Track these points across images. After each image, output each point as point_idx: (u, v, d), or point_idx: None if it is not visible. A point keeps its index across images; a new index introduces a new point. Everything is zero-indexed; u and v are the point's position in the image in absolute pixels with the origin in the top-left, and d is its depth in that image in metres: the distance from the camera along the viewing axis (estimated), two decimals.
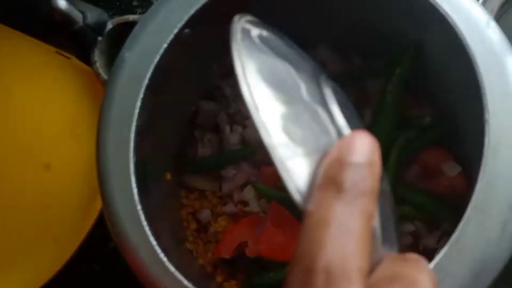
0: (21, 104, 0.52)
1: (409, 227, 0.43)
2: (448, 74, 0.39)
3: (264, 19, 0.28)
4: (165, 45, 0.33)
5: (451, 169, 0.41)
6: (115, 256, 0.50)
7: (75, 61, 0.37)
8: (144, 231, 0.32)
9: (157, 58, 0.33)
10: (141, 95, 0.32)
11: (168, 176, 0.47)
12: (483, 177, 0.28)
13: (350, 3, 0.40)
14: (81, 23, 0.34)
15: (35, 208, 0.49)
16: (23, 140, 0.52)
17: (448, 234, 0.41)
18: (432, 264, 0.28)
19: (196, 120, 0.50)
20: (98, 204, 0.51)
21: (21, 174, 0.54)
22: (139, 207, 0.33)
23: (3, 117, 0.53)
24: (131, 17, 0.36)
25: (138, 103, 0.32)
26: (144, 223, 0.32)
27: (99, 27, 0.35)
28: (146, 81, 0.33)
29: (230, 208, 0.48)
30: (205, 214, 0.49)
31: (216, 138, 0.51)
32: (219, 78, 0.50)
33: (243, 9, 0.26)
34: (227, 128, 0.49)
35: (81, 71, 0.40)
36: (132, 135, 0.32)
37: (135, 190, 0.33)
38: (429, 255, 0.39)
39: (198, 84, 0.48)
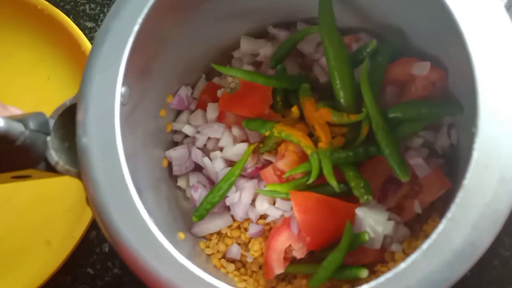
0: None
1: (418, 140, 0.44)
2: None
3: None
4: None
5: (422, 68, 0.42)
6: (109, 259, 0.54)
7: (36, 174, 0.35)
8: None
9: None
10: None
11: (182, 236, 0.46)
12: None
13: None
14: (26, 133, 0.32)
15: (28, 211, 0.49)
16: None
17: (452, 126, 0.43)
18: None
19: (173, 172, 0.49)
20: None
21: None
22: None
23: None
24: (67, 102, 0.35)
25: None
26: None
27: (43, 128, 0.33)
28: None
29: (254, 229, 0.47)
30: (235, 250, 0.48)
31: (203, 176, 0.50)
32: (173, 121, 0.50)
33: None
34: (207, 161, 0.48)
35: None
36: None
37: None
38: (449, 153, 0.41)
39: (157, 142, 0.48)
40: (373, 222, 0.42)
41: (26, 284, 0.51)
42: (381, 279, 0.29)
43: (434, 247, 0.29)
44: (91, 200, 0.32)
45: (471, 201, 0.29)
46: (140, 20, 0.34)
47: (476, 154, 0.29)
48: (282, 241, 0.44)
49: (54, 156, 0.34)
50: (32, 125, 0.32)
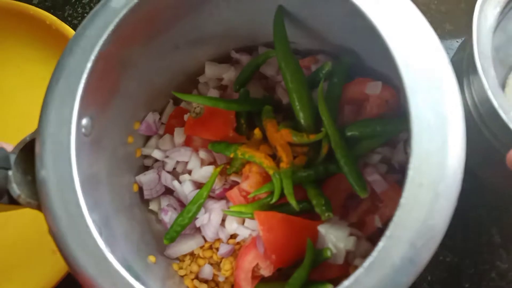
0: None
1: (376, 156, 0.45)
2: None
3: None
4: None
5: (374, 88, 0.44)
6: None
7: (1, 207, 0.37)
8: None
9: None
10: None
11: (153, 259, 0.47)
12: None
13: None
14: None
15: (36, 222, 0.49)
16: None
17: (407, 142, 0.44)
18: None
19: (144, 196, 0.51)
20: None
21: None
22: None
23: None
24: (27, 137, 0.36)
25: None
26: None
27: (4, 163, 0.35)
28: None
29: (224, 248, 0.48)
30: (207, 270, 0.49)
31: (174, 198, 0.51)
32: (142, 146, 0.52)
33: None
34: (177, 184, 0.50)
35: None
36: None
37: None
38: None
39: (127, 168, 0.49)
40: (335, 238, 0.43)
41: None
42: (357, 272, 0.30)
43: (375, 264, 0.30)
44: (51, 231, 0.34)
45: (408, 218, 0.30)
46: (92, 57, 0.35)
47: (411, 173, 0.30)
48: (250, 261, 0.45)
49: (16, 189, 0.35)
50: None
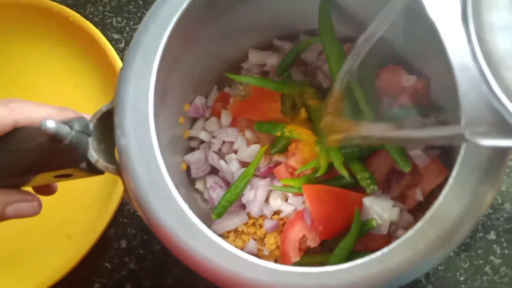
0: None
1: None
2: None
3: None
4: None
5: (409, 80, 0.47)
6: (125, 255, 0.58)
7: (77, 173, 0.40)
8: None
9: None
10: None
11: None
12: None
13: None
14: (72, 133, 0.36)
15: (52, 208, 0.51)
16: None
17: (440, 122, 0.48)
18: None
19: (192, 175, 0.54)
20: (113, 205, 0.56)
21: None
22: None
23: None
24: (104, 108, 0.39)
25: None
26: None
27: (86, 130, 0.38)
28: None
29: (269, 224, 0.51)
30: (251, 245, 0.52)
31: (219, 178, 0.54)
32: (189, 129, 0.55)
33: None
34: (223, 163, 0.53)
35: None
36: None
37: None
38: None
39: (175, 149, 0.52)
40: (380, 209, 0.46)
41: (48, 274, 0.55)
42: (393, 244, 0.33)
43: (436, 214, 0.33)
44: (131, 192, 0.37)
45: (467, 169, 0.33)
46: (167, 33, 0.39)
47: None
48: (297, 232, 0.48)
49: (95, 155, 0.38)
50: (77, 126, 0.37)
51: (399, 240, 0.33)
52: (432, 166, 0.47)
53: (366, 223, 0.46)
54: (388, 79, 0.49)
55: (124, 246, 0.59)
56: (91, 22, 0.63)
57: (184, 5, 0.39)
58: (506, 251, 0.53)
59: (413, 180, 0.48)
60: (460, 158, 0.34)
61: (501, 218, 0.54)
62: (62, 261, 0.55)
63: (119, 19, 0.67)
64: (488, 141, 0.26)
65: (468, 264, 0.54)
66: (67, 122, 0.37)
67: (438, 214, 0.33)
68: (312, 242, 0.48)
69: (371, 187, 0.46)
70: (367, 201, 0.47)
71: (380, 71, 0.50)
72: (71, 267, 0.55)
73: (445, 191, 0.33)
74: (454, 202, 0.33)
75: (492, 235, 0.54)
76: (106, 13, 0.68)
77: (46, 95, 0.65)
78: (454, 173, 0.34)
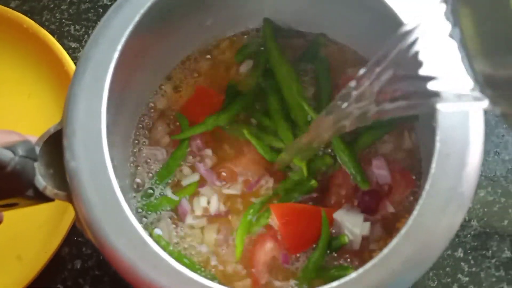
0: None
1: (383, 146, 0.48)
2: None
3: None
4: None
5: None
6: (80, 276, 0.55)
7: (24, 202, 0.37)
8: None
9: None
10: None
11: None
12: None
13: None
14: (15, 159, 0.34)
15: (0, 226, 0.47)
16: None
17: (411, 130, 0.48)
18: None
19: None
20: (66, 224, 0.53)
21: None
22: None
23: None
24: (52, 129, 0.37)
25: None
26: None
27: (31, 154, 0.35)
28: None
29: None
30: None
31: None
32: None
33: None
34: None
35: None
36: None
37: None
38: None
39: None
40: (350, 224, 0.45)
41: None
42: (368, 264, 0.32)
43: (411, 230, 0.32)
44: (84, 220, 0.34)
45: (438, 187, 0.33)
46: (119, 47, 0.37)
47: (438, 145, 0.33)
48: (266, 252, 0.46)
49: (42, 181, 0.36)
50: (21, 151, 0.34)
51: (375, 260, 0.32)
52: (399, 178, 0.46)
53: (337, 239, 0.45)
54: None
55: (78, 266, 0.56)
56: (47, 30, 0.61)
57: (137, 17, 0.37)
58: (474, 269, 0.53)
59: (382, 193, 0.47)
60: (432, 171, 0.33)
61: (468, 236, 0.54)
62: (11, 284, 0.52)
63: (77, 27, 0.64)
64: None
65: (436, 282, 0.53)
66: (10, 147, 0.34)
67: (413, 229, 0.32)
68: (284, 261, 0.46)
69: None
70: (338, 216, 0.45)
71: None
72: None
73: (418, 205, 0.33)
74: (428, 216, 0.32)
75: (459, 253, 0.54)
76: (63, 20, 0.65)
77: None
78: (427, 186, 0.33)
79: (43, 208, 0.54)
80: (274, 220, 0.46)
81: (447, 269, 0.53)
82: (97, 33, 0.37)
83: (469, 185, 0.33)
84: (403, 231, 0.32)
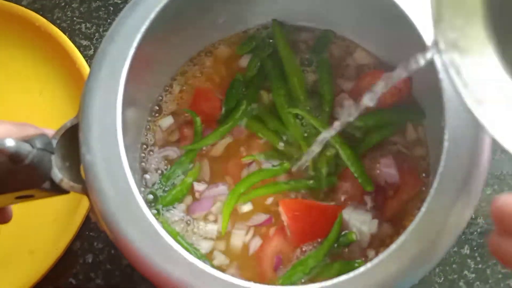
0: None
1: (391, 146, 0.49)
2: None
3: None
4: None
5: (389, 77, 0.47)
6: (92, 270, 0.56)
7: (40, 193, 0.38)
8: None
9: None
10: None
11: None
12: None
13: None
14: (34, 152, 0.35)
15: (13, 221, 0.48)
16: None
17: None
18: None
19: None
20: (78, 219, 0.54)
21: None
22: None
23: None
24: (68, 123, 0.38)
25: None
26: None
27: (48, 147, 0.36)
28: None
29: None
30: None
31: None
32: None
33: None
34: None
35: None
36: None
37: None
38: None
39: None
40: (358, 223, 0.46)
41: None
42: (376, 260, 0.33)
43: (418, 228, 0.33)
44: (99, 212, 0.35)
45: (447, 186, 0.33)
46: (135, 44, 0.38)
47: (446, 144, 0.34)
48: (273, 248, 0.47)
49: (59, 174, 0.37)
50: (38, 144, 0.35)
51: (382, 255, 0.33)
52: (408, 177, 0.47)
53: (345, 236, 0.46)
54: (369, 82, 0.50)
55: (90, 261, 0.57)
56: (58, 28, 0.62)
57: (152, 15, 0.38)
58: (480, 266, 0.54)
59: (391, 191, 0.48)
60: (440, 169, 0.34)
61: (475, 233, 0.55)
62: (23, 278, 0.53)
63: (88, 25, 0.65)
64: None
65: (442, 278, 0.54)
66: (28, 140, 0.35)
67: (421, 227, 0.33)
68: (288, 256, 0.47)
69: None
70: (346, 214, 0.46)
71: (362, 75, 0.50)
72: (33, 284, 0.53)
73: (426, 203, 0.33)
74: (436, 214, 0.33)
75: (466, 250, 0.55)
76: (75, 18, 0.66)
77: (9, 102, 0.63)
78: (435, 184, 0.34)
79: (55, 203, 0.56)
80: (283, 215, 0.47)
81: (454, 265, 0.54)
82: (113, 30, 0.38)
83: (476, 184, 0.34)
84: (410, 228, 0.33)
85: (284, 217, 0.47)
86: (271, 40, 0.51)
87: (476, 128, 0.34)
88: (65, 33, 0.61)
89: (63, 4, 0.67)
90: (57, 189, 0.38)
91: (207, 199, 0.49)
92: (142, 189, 0.48)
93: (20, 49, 0.63)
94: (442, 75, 0.35)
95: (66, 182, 0.37)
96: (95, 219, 0.37)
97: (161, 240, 0.34)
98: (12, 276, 0.54)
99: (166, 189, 0.48)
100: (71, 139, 0.38)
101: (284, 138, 0.49)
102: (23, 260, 0.55)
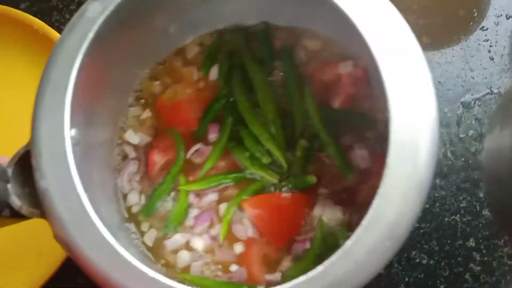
0: None
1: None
2: None
3: None
4: None
5: (346, 67, 0.48)
6: None
7: (0, 221, 0.38)
8: None
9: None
10: None
11: None
12: None
13: None
14: None
15: (21, 222, 0.48)
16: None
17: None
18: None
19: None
20: None
21: None
22: None
23: None
24: (21, 150, 0.38)
25: None
26: None
27: (3, 177, 0.37)
28: None
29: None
30: None
31: None
32: None
33: None
34: None
35: None
36: None
37: None
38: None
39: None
40: (328, 220, 0.46)
41: None
42: (333, 257, 0.33)
43: (372, 221, 0.33)
44: (58, 236, 0.36)
45: (396, 175, 0.34)
46: (76, 65, 0.38)
47: (392, 136, 0.34)
48: (256, 252, 0.47)
49: (17, 201, 0.37)
50: None
51: (339, 252, 0.33)
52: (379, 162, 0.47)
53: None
54: (329, 72, 0.50)
55: None
56: (57, 31, 0.61)
57: (91, 34, 0.38)
58: (486, 258, 0.54)
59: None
60: (389, 160, 0.34)
61: (480, 225, 0.55)
62: (32, 279, 0.54)
63: None
64: None
65: (448, 272, 0.54)
66: None
67: (374, 220, 0.33)
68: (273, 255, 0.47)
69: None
70: (317, 212, 0.46)
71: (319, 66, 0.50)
72: (41, 285, 0.54)
73: (378, 196, 0.34)
74: (388, 205, 0.33)
75: (471, 242, 0.55)
76: None
77: (8, 107, 0.63)
78: (385, 177, 0.34)
79: None
80: (248, 214, 0.47)
81: (459, 258, 0.54)
82: (54, 52, 0.38)
83: (427, 172, 0.34)
84: (364, 222, 0.33)
85: (250, 216, 0.47)
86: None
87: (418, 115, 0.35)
88: None
89: (60, 6, 0.67)
90: (18, 216, 0.38)
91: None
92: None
93: (19, 53, 0.63)
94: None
95: (25, 209, 0.37)
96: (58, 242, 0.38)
97: (122, 259, 0.35)
98: (20, 277, 0.55)
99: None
100: (27, 165, 0.38)
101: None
102: (32, 261, 0.56)
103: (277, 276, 0.46)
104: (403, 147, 0.34)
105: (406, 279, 0.54)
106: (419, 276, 0.54)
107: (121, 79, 0.48)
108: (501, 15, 0.62)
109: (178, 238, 0.47)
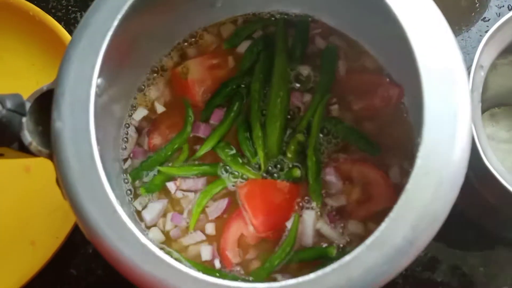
0: None
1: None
2: None
3: None
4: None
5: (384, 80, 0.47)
6: (92, 261, 0.57)
7: (9, 153, 0.38)
8: None
9: None
10: None
11: None
12: None
13: None
14: (3, 112, 0.35)
15: (13, 212, 0.51)
16: None
17: None
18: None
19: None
20: None
21: (0, 176, 0.57)
22: None
23: None
24: (45, 87, 0.38)
25: None
26: None
27: (20, 109, 0.36)
28: None
29: None
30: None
31: None
32: None
33: None
34: None
35: None
36: None
37: None
38: None
39: None
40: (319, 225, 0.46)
41: (9, 284, 0.53)
42: (327, 269, 0.32)
43: (376, 242, 0.32)
44: (60, 180, 0.35)
45: (412, 202, 0.33)
46: (119, 16, 0.37)
47: (419, 162, 0.33)
48: (234, 232, 0.47)
49: (28, 137, 0.37)
50: (9, 104, 0.35)
51: (335, 265, 0.32)
52: (384, 190, 0.46)
53: (324, 251, 0.45)
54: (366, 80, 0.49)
55: (91, 251, 0.57)
56: (53, 17, 0.61)
57: None
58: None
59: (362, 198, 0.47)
60: (408, 186, 0.33)
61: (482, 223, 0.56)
62: (24, 268, 0.54)
63: (83, 13, 0.64)
64: None
65: (445, 265, 0.55)
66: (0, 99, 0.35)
67: (379, 242, 0.32)
68: (252, 240, 0.47)
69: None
70: (306, 216, 0.46)
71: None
72: (34, 274, 0.53)
73: (388, 219, 0.33)
74: (397, 231, 0.32)
75: (469, 235, 0.55)
76: (70, 7, 0.66)
77: (5, 91, 0.61)
78: (400, 201, 0.33)
79: (55, 194, 0.56)
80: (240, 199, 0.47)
81: (457, 251, 0.55)
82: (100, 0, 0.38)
83: (444, 205, 0.33)
84: (368, 241, 0.32)
85: (241, 198, 0.47)
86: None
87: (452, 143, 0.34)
88: (60, 23, 0.61)
89: None
90: (26, 151, 0.38)
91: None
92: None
93: (16, 40, 0.63)
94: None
95: (34, 146, 0.37)
96: (58, 186, 0.37)
97: (117, 216, 0.34)
98: (13, 267, 0.55)
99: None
100: (46, 104, 0.38)
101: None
102: (24, 251, 0.56)
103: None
104: (427, 176, 0.33)
105: (403, 272, 0.53)
106: (417, 269, 0.55)
107: (148, 47, 0.48)
108: (503, 6, 0.61)
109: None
